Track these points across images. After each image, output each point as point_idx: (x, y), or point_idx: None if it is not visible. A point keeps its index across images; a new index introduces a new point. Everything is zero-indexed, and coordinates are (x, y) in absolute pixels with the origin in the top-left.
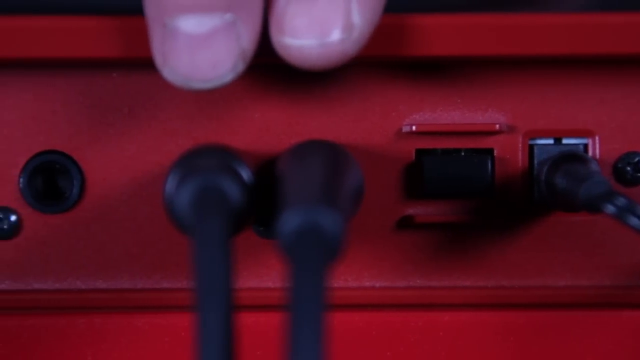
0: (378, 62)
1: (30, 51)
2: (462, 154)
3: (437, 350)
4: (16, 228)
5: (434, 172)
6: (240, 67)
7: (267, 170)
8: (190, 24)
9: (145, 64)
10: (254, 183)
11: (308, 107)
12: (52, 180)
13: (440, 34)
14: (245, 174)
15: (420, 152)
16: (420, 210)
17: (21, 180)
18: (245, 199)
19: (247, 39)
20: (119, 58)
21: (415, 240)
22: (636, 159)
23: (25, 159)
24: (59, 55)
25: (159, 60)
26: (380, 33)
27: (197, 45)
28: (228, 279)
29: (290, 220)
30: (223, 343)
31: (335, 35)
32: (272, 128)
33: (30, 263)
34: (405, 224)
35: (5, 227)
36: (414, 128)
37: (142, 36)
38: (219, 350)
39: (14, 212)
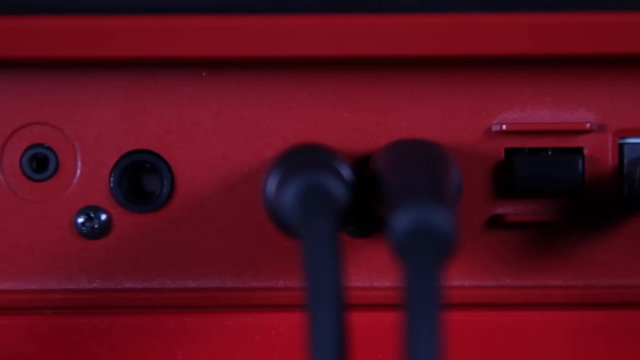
0: (467, 61)
1: (121, 51)
2: (552, 153)
3: (527, 350)
4: (106, 227)
5: (525, 171)
6: None
7: (361, 169)
8: None
9: (235, 63)
10: (354, 181)
11: (397, 106)
12: (142, 180)
13: (530, 32)
14: (346, 172)
15: (509, 152)
16: (509, 210)
17: (111, 179)
18: (349, 197)
19: None
20: (208, 57)
21: (504, 239)
22: None
23: (115, 158)
24: (149, 54)
25: None
26: (470, 32)
27: None
28: (340, 278)
29: (402, 220)
30: (336, 342)
31: None
32: (361, 127)
33: (120, 262)
34: (495, 223)
35: (95, 226)
36: (504, 127)
37: (232, 35)
38: (331, 349)
39: (105, 211)
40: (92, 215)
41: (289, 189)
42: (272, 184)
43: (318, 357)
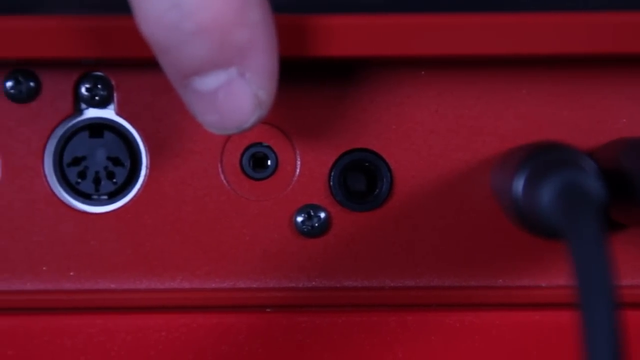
0: None
1: (332, 50)
2: None
3: None
4: (326, 226)
5: None
6: (260, 111)
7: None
8: (203, 84)
9: (453, 62)
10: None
11: (617, 104)
12: (361, 178)
13: None
14: (594, 169)
15: None
16: None
17: (331, 178)
18: (607, 194)
19: (258, 85)
20: (427, 56)
21: None
22: None
23: (334, 157)
24: (366, 54)
25: (194, 115)
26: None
27: (215, 100)
28: (612, 276)
29: None
30: (614, 341)
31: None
32: (581, 125)
33: (339, 261)
34: None
35: (315, 224)
36: None
37: (450, 33)
38: (610, 349)
39: (324, 209)
40: (311, 213)
41: (546, 190)
42: (518, 185)
43: (598, 357)
